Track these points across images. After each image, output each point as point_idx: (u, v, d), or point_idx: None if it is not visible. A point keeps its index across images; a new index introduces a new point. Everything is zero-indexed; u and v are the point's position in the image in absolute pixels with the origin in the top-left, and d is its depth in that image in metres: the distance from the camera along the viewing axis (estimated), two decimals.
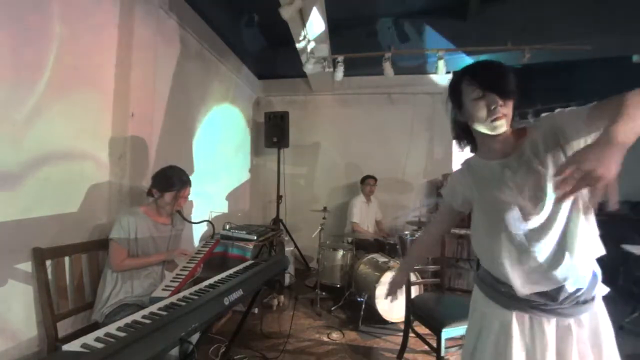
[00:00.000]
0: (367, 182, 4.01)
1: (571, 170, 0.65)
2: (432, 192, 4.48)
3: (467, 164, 1.10)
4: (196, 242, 3.08)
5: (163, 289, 1.61)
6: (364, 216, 3.94)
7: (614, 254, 2.94)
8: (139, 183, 2.17)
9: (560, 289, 0.90)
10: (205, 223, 2.11)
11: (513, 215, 0.92)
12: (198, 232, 3.11)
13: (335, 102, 4.72)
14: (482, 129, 0.95)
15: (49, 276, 1.61)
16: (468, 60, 3.96)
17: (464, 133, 1.06)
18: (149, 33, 2.21)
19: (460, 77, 0.97)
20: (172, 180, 1.83)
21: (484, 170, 1.02)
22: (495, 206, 0.96)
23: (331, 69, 3.63)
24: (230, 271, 1.60)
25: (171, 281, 1.68)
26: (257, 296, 2.05)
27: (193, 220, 1.98)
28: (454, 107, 1.03)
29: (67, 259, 1.72)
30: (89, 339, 0.88)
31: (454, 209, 1.17)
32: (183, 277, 1.72)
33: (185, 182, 1.87)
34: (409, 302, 2.24)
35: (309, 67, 3.45)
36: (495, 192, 0.96)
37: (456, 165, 5.04)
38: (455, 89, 0.99)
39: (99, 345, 0.85)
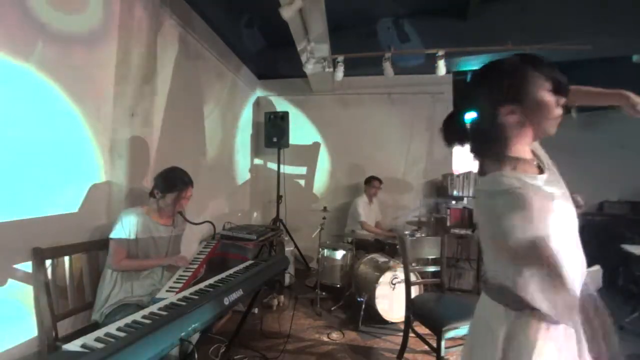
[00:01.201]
0: (373, 184, 3.98)
1: None
2: (432, 192, 4.49)
3: (528, 183, 0.84)
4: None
5: (167, 290, 1.62)
6: (367, 216, 3.94)
7: (614, 254, 2.96)
8: (139, 183, 2.17)
9: None
10: (206, 223, 2.11)
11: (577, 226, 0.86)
12: (199, 232, 3.11)
13: (335, 102, 4.72)
14: (543, 127, 0.86)
15: (49, 276, 1.61)
16: (468, 60, 3.97)
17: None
18: (149, 33, 2.21)
19: (528, 65, 0.85)
20: (174, 182, 1.83)
21: (551, 185, 0.86)
22: (569, 222, 0.86)
23: (331, 69, 3.63)
24: (230, 271, 1.60)
25: (175, 282, 1.70)
26: (257, 296, 2.05)
27: (194, 221, 1.98)
28: (503, 95, 0.85)
29: (67, 259, 1.72)
30: (89, 339, 0.88)
31: None
32: (187, 278, 1.73)
33: (187, 183, 1.87)
34: (409, 302, 2.24)
35: (309, 67, 3.45)
36: (567, 206, 0.85)
37: (456, 165, 5.05)
38: (521, 75, 0.84)
39: (99, 345, 0.85)
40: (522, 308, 0.86)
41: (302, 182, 4.82)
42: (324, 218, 3.41)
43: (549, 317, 0.85)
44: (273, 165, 4.26)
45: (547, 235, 0.77)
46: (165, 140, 2.57)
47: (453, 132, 0.99)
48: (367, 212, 3.93)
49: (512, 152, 0.88)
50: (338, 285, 3.33)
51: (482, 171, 0.93)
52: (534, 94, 0.83)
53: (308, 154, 4.76)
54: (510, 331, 0.87)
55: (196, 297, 1.23)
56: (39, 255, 1.56)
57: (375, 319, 2.76)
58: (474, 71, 0.99)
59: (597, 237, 3.35)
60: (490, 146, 0.89)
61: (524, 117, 0.85)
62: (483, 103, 0.90)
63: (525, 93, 0.84)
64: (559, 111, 0.85)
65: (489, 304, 0.93)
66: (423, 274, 2.82)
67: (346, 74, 3.68)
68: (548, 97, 0.83)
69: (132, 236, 1.75)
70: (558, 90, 0.84)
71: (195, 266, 1.85)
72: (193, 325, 1.04)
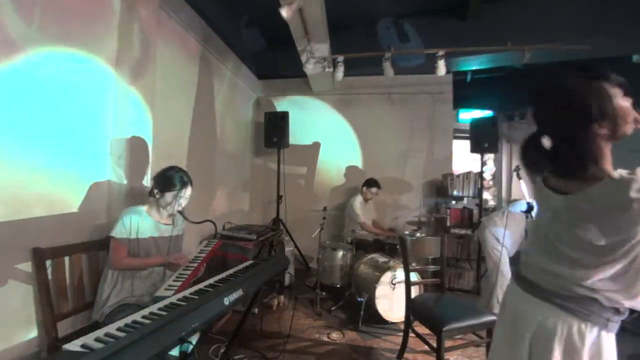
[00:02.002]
0: (371, 190, 3.92)
1: None
2: (432, 192, 4.49)
3: None
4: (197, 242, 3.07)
5: (166, 289, 1.62)
6: (365, 215, 3.93)
7: None
8: (139, 183, 2.17)
9: None
10: (206, 222, 2.10)
11: None
12: (199, 232, 3.11)
13: (335, 102, 4.72)
14: (624, 130, 0.89)
15: (49, 276, 1.61)
16: (468, 60, 3.97)
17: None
18: (149, 33, 2.21)
19: (600, 79, 0.88)
20: (173, 180, 1.83)
21: None
22: None
23: (331, 69, 3.63)
24: (230, 271, 1.60)
25: (174, 280, 1.69)
26: (257, 296, 2.05)
27: (194, 220, 1.99)
28: (592, 115, 0.87)
29: (67, 259, 1.72)
30: (89, 339, 0.88)
31: None
32: (186, 276, 1.72)
33: (186, 183, 1.87)
34: (409, 302, 2.25)
35: (309, 67, 3.45)
36: None
37: (456, 165, 5.05)
38: (601, 91, 0.87)
39: (99, 345, 0.85)
40: (601, 322, 0.88)
41: (302, 182, 4.82)
42: (324, 218, 3.41)
43: (614, 327, 0.89)
44: (273, 165, 4.26)
45: None
46: (165, 140, 2.57)
47: (539, 157, 0.98)
48: (364, 212, 3.92)
49: (607, 162, 0.90)
50: (338, 285, 3.33)
51: (570, 188, 0.92)
52: (616, 104, 0.87)
53: (308, 154, 4.76)
54: (594, 346, 0.88)
55: (196, 297, 1.23)
56: (39, 255, 1.56)
57: (375, 319, 2.76)
58: (545, 96, 0.98)
59: None
60: (587, 164, 0.89)
61: (612, 127, 0.88)
62: (571, 126, 0.91)
63: (610, 106, 0.87)
64: (634, 112, 0.89)
65: (559, 316, 0.92)
66: (423, 274, 2.82)
67: (346, 74, 3.68)
68: (624, 102, 0.88)
69: (133, 235, 1.75)
70: (627, 92, 0.89)
71: (196, 264, 1.84)
72: (193, 325, 1.04)
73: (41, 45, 1.59)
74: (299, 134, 4.49)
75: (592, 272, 0.88)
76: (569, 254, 0.93)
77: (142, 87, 2.15)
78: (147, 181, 2.22)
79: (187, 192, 1.88)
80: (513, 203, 2.86)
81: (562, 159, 0.94)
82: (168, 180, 1.83)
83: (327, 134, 4.74)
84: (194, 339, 1.66)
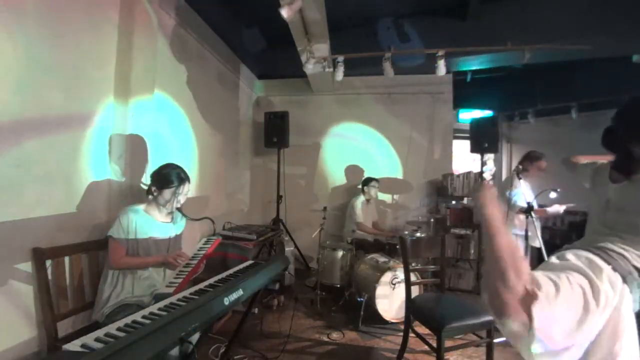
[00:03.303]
0: (372, 185, 3.93)
1: None
2: (432, 192, 4.49)
3: None
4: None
5: (167, 286, 1.63)
6: (365, 216, 3.93)
7: None
8: (139, 182, 2.17)
9: None
10: (205, 220, 2.10)
11: None
12: (198, 230, 3.11)
13: (335, 102, 4.72)
14: None
15: (49, 276, 1.62)
16: (468, 60, 3.96)
17: None
18: (149, 33, 2.21)
19: None
20: (170, 177, 1.83)
21: None
22: None
23: (331, 69, 3.62)
24: (230, 271, 1.60)
25: (175, 278, 1.70)
26: (257, 296, 2.05)
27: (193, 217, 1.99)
28: None
29: (67, 259, 1.72)
30: (89, 339, 0.88)
31: None
32: (186, 273, 1.73)
33: (184, 179, 1.87)
34: (409, 302, 2.25)
35: (309, 67, 3.45)
36: None
37: (456, 165, 5.05)
38: None
39: (99, 345, 0.85)
40: (624, 271, 1.01)
41: (302, 182, 4.81)
42: (324, 218, 3.41)
43: (635, 279, 0.99)
44: (273, 165, 4.26)
45: None
46: (165, 139, 2.57)
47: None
48: (364, 212, 3.91)
49: None
50: (338, 285, 3.32)
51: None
52: None
53: (308, 154, 4.76)
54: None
55: (196, 297, 1.23)
56: (39, 255, 1.56)
57: (375, 319, 2.76)
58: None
59: None
60: None
61: None
62: None
63: None
64: None
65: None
66: (423, 274, 2.82)
67: (346, 74, 3.67)
68: None
69: (131, 234, 1.75)
70: None
71: (196, 261, 1.84)
72: (193, 325, 1.04)
73: (40, 43, 1.60)
74: (299, 134, 4.49)
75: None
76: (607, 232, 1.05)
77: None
78: (147, 180, 2.22)
79: (185, 188, 1.88)
80: (510, 190, 2.79)
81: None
82: (165, 177, 1.83)
83: (327, 134, 4.74)
84: (194, 339, 1.66)
